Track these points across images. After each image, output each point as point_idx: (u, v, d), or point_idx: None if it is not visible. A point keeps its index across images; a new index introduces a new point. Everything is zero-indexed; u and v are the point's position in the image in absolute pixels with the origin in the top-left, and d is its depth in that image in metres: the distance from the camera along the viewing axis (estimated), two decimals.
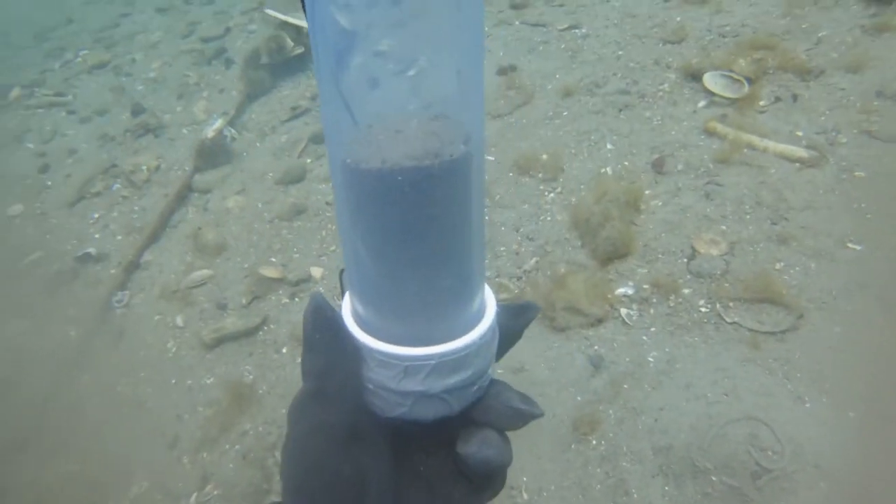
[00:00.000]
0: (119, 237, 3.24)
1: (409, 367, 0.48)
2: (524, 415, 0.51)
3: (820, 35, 2.81)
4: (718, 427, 1.62)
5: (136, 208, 3.39)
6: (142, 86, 4.75)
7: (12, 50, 6.28)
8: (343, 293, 0.55)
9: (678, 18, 3.25)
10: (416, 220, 0.46)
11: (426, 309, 0.49)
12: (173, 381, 2.41)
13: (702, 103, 2.71)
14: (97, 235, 3.33)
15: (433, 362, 0.48)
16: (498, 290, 2.20)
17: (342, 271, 0.59)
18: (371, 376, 0.50)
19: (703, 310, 1.95)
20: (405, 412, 0.50)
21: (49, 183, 3.97)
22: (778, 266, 1.98)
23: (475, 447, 0.51)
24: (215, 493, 2.00)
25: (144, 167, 3.64)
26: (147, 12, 6.22)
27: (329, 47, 0.44)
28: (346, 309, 0.52)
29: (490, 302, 0.52)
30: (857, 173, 2.17)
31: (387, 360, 0.48)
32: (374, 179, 0.45)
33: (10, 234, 3.63)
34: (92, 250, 3.17)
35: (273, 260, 2.67)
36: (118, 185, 3.65)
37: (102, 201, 3.58)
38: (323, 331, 0.50)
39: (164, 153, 3.74)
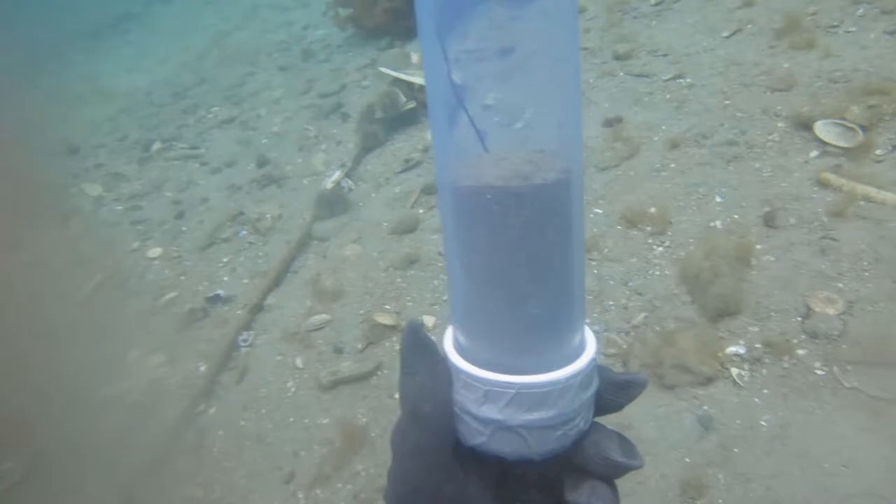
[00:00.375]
0: (245, 280, 3.53)
1: (490, 392, 0.48)
2: (619, 466, 0.49)
3: None
4: (836, 501, 1.57)
5: (260, 254, 3.69)
6: (266, 139, 5.16)
7: (154, 108, 7.01)
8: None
9: (785, 65, 3.20)
10: (504, 240, 0.47)
11: (512, 336, 0.49)
12: (291, 419, 2.59)
13: (814, 153, 2.65)
14: (225, 278, 3.65)
15: (513, 391, 0.48)
16: (606, 344, 2.23)
17: None
18: (457, 398, 0.51)
19: (819, 373, 1.90)
20: (484, 442, 0.50)
21: (184, 228, 4.38)
22: None
23: (584, 497, 0.49)
24: None
25: (268, 215, 3.96)
26: (269, 71, 6.76)
27: (440, 93, 0.48)
28: (447, 333, 0.55)
29: (589, 347, 0.51)
30: None
31: (470, 382, 0.49)
32: (468, 197, 0.48)
33: (150, 274, 4.04)
34: (221, 292, 3.48)
35: (387, 307, 2.83)
36: (245, 232, 3.99)
37: (230, 246, 3.92)
38: (419, 355, 0.52)
39: (286, 202, 4.06)
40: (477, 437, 0.50)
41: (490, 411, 0.49)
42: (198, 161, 5.32)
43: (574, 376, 0.49)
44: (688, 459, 1.82)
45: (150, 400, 2.95)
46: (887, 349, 1.84)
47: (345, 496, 2.18)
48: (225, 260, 3.80)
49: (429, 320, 2.69)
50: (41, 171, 5.94)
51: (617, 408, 0.53)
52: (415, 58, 5.01)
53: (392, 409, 2.41)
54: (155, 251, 4.22)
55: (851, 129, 2.65)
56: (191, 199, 4.72)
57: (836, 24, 3.38)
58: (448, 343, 0.54)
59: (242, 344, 3.06)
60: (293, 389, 2.70)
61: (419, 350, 0.52)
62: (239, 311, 3.28)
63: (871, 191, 2.36)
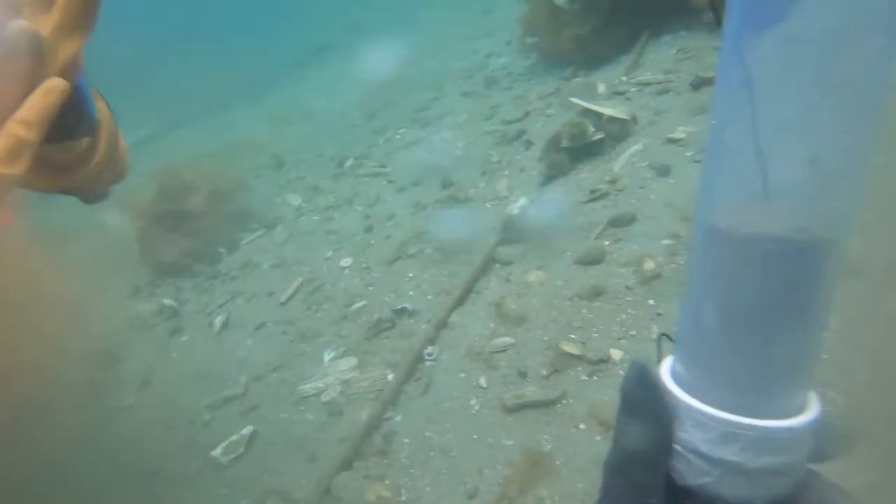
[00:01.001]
0: (430, 297, 3.71)
1: (727, 433, 0.49)
2: None
3: None
4: None
5: (445, 272, 3.85)
6: (449, 162, 5.39)
7: (347, 128, 7.60)
8: (660, 357, 0.59)
9: None
10: (772, 290, 0.47)
11: (758, 382, 0.49)
12: (475, 437, 2.67)
13: None
14: (411, 292, 3.85)
15: (755, 434, 0.48)
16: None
17: (661, 335, 0.66)
18: (684, 437, 0.51)
19: None
20: (709, 483, 0.50)
21: (372, 241, 4.70)
22: None
23: None
24: None
25: None
26: (453, 96, 7.08)
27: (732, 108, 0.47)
28: (666, 373, 0.55)
29: (815, 401, 0.52)
30: None
31: (706, 422, 0.50)
32: (742, 244, 0.48)
33: (341, 282, 4.37)
34: (408, 305, 3.67)
35: (573, 336, 2.83)
36: (430, 250, 4.19)
37: (416, 263, 4.13)
38: (646, 395, 0.53)
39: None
40: (701, 478, 0.51)
41: (724, 452, 0.49)
42: (385, 179, 5.69)
43: (811, 423, 0.49)
44: None
45: (344, 402, 3.18)
46: None
47: None
48: (410, 275, 4.01)
49: (616, 354, 2.66)
50: (256, 182, 6.70)
51: (826, 460, 0.53)
52: (601, 88, 5.01)
53: (578, 440, 2.40)
54: (346, 261, 4.56)
55: None
56: (378, 215, 5.05)
57: None
58: (668, 379, 0.54)
59: (428, 357, 3.20)
60: (477, 408, 2.78)
61: (647, 390, 0.53)
62: (424, 326, 3.45)
63: None
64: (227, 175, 6.36)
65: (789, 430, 0.49)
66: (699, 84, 4.36)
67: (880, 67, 0.43)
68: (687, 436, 0.51)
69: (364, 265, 4.45)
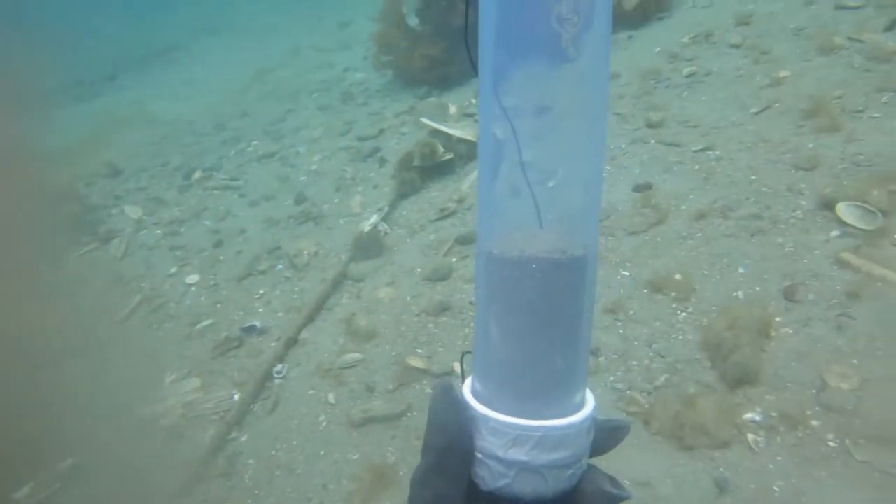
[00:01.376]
0: (280, 314, 3.70)
1: (519, 437, 0.54)
2: (613, 497, 0.57)
3: None
4: None
5: (296, 289, 3.86)
6: (304, 176, 5.39)
7: (196, 137, 7.31)
8: (464, 376, 0.63)
9: (810, 145, 3.36)
10: (542, 304, 0.53)
11: (539, 386, 0.55)
12: (322, 453, 2.71)
13: (835, 233, 2.79)
14: (261, 310, 3.81)
15: (539, 434, 0.54)
16: (628, 403, 2.35)
17: (464, 354, 0.71)
18: (482, 444, 0.56)
19: (831, 444, 2.01)
20: (507, 483, 0.56)
21: (221, 257, 4.58)
22: None
23: None
24: None
25: (305, 252, 4.14)
26: (310, 109, 7.06)
27: (489, 150, 0.54)
28: (467, 388, 0.60)
29: (590, 398, 0.59)
30: None
31: (499, 428, 0.55)
32: (513, 266, 0.53)
33: (186, 300, 4.22)
34: (257, 323, 3.64)
35: (419, 351, 2.97)
36: (281, 266, 4.16)
37: (267, 279, 4.10)
38: (449, 412, 0.57)
39: (322, 240, 4.24)
40: (500, 480, 0.56)
41: (517, 454, 0.54)
42: (237, 192, 5.55)
43: (585, 420, 0.56)
44: None
45: (184, 422, 3.09)
46: None
47: None
48: (261, 292, 3.97)
49: (459, 368, 2.82)
50: (85, 191, 6.22)
51: (606, 451, 0.61)
52: (453, 109, 5.25)
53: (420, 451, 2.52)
54: (193, 277, 4.41)
55: (872, 212, 2.79)
56: (229, 230, 4.93)
57: (860, 109, 3.55)
58: (469, 395, 0.59)
59: (277, 376, 3.20)
60: (324, 424, 2.83)
61: (449, 408, 0.57)
62: (273, 344, 3.43)
63: (889, 274, 2.49)
64: (50, 181, 5.86)
65: (570, 427, 0.55)
66: None
67: (605, 93, 0.52)
68: (485, 444, 0.56)
69: (212, 282, 4.32)
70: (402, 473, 2.46)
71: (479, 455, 0.57)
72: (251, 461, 2.82)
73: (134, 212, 5.77)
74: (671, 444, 2.17)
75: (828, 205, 2.92)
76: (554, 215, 0.52)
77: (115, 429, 3.22)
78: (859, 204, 2.85)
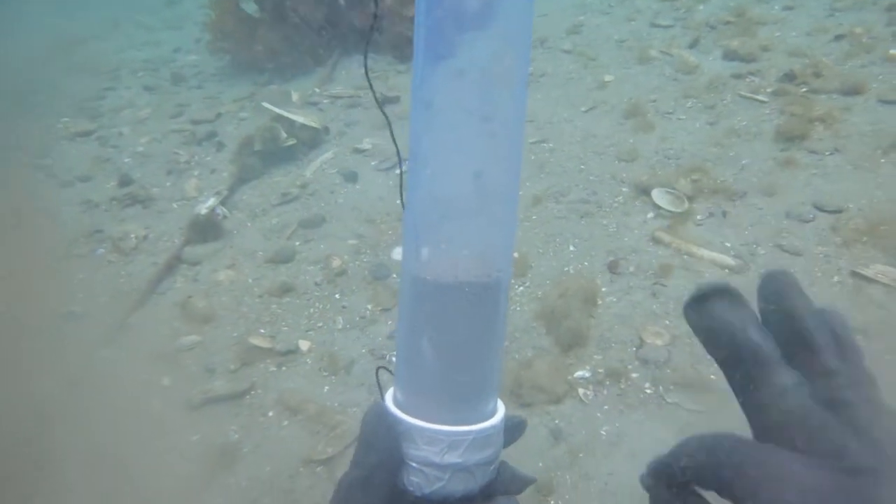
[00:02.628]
0: (104, 299, 3.39)
1: (453, 442, 0.58)
2: (527, 482, 0.65)
3: (743, 163, 3.33)
4: None
5: (122, 273, 3.56)
6: (129, 158, 4.97)
7: None
8: (381, 389, 0.66)
9: (631, 140, 3.74)
10: (474, 323, 0.58)
11: (468, 396, 0.59)
12: (156, 439, 2.53)
13: (650, 215, 3.13)
14: (81, 296, 3.47)
15: (471, 437, 0.58)
16: None
17: (378, 369, 0.75)
18: (417, 454, 0.60)
19: (648, 391, 2.26)
20: (442, 486, 0.59)
21: None
22: (709, 357, 2.32)
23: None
24: None
25: (132, 235, 3.83)
26: (134, 89, 6.52)
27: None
28: (390, 401, 0.62)
29: (499, 401, 0.64)
30: None
31: (436, 437, 0.59)
32: (434, 289, 0.56)
33: None
34: (77, 309, 3.31)
35: (262, 331, 2.87)
36: (103, 250, 3.82)
37: (86, 264, 3.73)
38: (380, 430, 0.60)
39: (152, 224, 3.95)
40: (435, 484, 0.60)
41: (452, 457, 0.58)
42: (44, 172, 4.99)
43: (503, 420, 0.62)
44: (541, 464, 2.07)
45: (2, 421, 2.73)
46: (699, 374, 2.23)
47: None
48: (80, 277, 3.61)
49: (304, 344, 2.78)
50: None
51: (508, 445, 0.68)
52: (295, 96, 5.15)
53: (265, 427, 2.46)
54: None
55: (680, 197, 3.17)
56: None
57: (670, 111, 4.02)
58: (394, 408, 0.61)
59: (101, 363, 2.93)
60: (159, 408, 2.64)
61: (381, 425, 0.60)
62: (96, 330, 3.14)
63: (693, 248, 2.85)
64: None
65: (493, 428, 0.59)
66: (383, 102, 4.77)
67: (522, 100, 0.52)
68: (421, 453, 0.59)
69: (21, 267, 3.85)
70: (245, 450, 2.37)
71: (414, 465, 0.60)
72: (72, 459, 2.56)
73: None
74: (511, 402, 2.31)
75: (644, 191, 3.27)
76: (441, 212, 0.54)
77: None
78: (669, 190, 3.22)
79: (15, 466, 2.55)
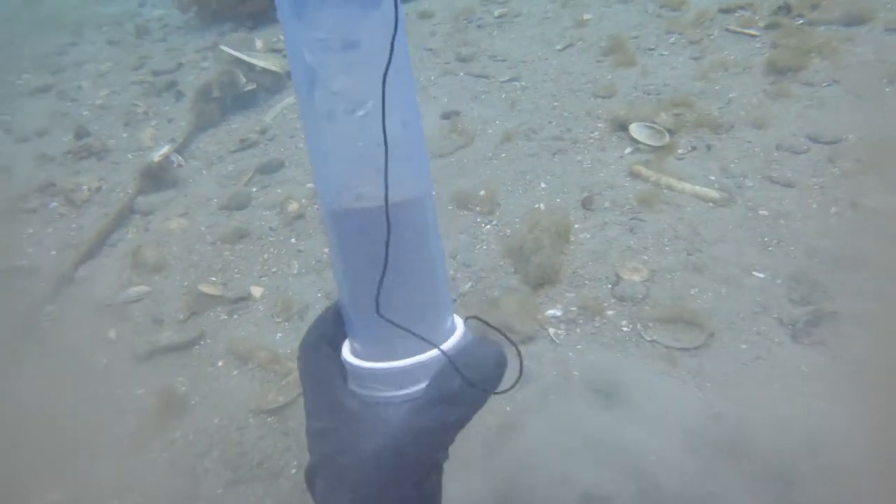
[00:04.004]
0: (53, 252, 3.19)
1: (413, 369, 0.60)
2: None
3: (730, 96, 3.13)
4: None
5: (73, 226, 3.35)
6: (87, 111, 4.72)
7: None
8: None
9: (609, 77, 3.53)
10: (402, 245, 0.57)
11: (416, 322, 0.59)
12: (101, 392, 2.36)
13: (628, 150, 2.94)
14: (30, 250, 3.26)
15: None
16: None
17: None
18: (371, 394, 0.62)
19: (624, 329, 2.10)
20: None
21: None
22: (692, 291, 2.16)
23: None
24: (139, 500, 1.96)
25: (85, 188, 3.61)
26: (97, 44, 6.22)
27: (302, 80, 0.55)
28: (348, 355, 0.64)
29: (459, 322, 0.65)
30: (761, 212, 2.41)
31: (365, 373, 0.61)
32: (357, 217, 0.56)
33: None
34: (25, 262, 3.11)
35: (213, 279, 2.69)
36: (55, 204, 3.60)
37: (37, 218, 3.52)
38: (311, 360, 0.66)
39: (106, 175, 3.73)
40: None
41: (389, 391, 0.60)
42: (1, 128, 4.74)
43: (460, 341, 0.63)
44: (508, 408, 1.91)
45: None
46: (681, 309, 2.07)
47: (160, 465, 2.03)
48: (30, 231, 3.40)
49: (256, 291, 2.60)
50: None
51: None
52: (259, 44, 4.88)
53: (215, 377, 2.29)
54: None
55: (660, 131, 2.97)
56: None
57: (652, 47, 3.80)
58: (354, 359, 0.62)
59: (46, 318, 2.75)
60: (104, 362, 2.47)
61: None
62: (43, 284, 2.95)
63: (673, 181, 2.66)
64: None
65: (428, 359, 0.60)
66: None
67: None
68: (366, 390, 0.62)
69: None
70: (193, 402, 2.21)
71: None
72: (12, 416, 2.38)
73: None
74: None
75: (622, 126, 3.08)
76: (367, 143, 0.54)
77: None
78: (649, 124, 3.03)
79: None
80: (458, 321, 0.65)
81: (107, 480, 2.05)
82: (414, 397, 0.60)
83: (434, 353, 0.60)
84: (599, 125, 3.16)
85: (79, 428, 2.26)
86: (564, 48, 4.01)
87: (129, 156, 3.93)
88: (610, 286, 2.27)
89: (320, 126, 0.55)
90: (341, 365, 0.64)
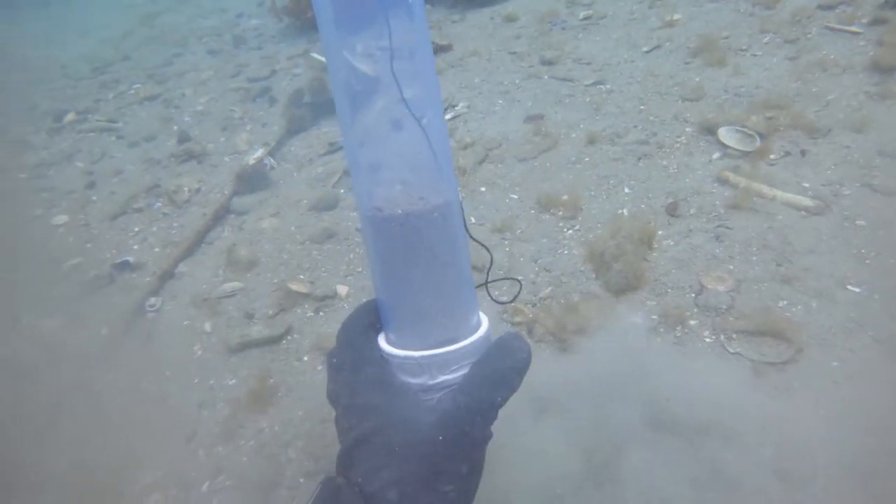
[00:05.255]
0: (157, 249, 3.42)
1: (420, 365, 0.68)
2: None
3: (828, 98, 2.97)
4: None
5: (175, 225, 3.58)
6: (189, 117, 5.04)
7: (70, 81, 6.69)
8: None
9: (697, 79, 3.43)
10: (427, 248, 0.63)
11: (451, 318, 0.67)
12: (196, 381, 2.52)
13: (716, 155, 2.85)
14: (136, 247, 3.52)
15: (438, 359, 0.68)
16: (513, 314, 2.30)
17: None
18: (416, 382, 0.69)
19: (707, 340, 2.04)
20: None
21: (94, 198, 4.20)
22: (781, 304, 2.07)
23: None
24: (227, 483, 2.09)
25: (186, 188, 3.86)
26: (199, 54, 6.61)
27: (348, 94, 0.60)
28: (385, 345, 0.71)
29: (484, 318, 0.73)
30: (858, 222, 2.28)
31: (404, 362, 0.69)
32: (398, 223, 0.60)
33: (52, 240, 3.84)
34: (130, 259, 3.35)
35: (301, 277, 2.81)
36: (160, 204, 3.86)
37: (143, 217, 3.79)
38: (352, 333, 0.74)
39: (205, 177, 3.96)
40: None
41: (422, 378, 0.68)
42: (114, 134, 5.12)
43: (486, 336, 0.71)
44: None
45: (43, 362, 2.80)
46: (768, 321, 1.99)
47: (248, 452, 2.14)
48: (136, 229, 3.67)
49: (342, 289, 2.69)
50: None
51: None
52: None
53: (301, 371, 2.39)
54: (60, 218, 4.02)
55: (750, 135, 2.87)
56: (103, 171, 4.53)
57: (744, 48, 3.67)
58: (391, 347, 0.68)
59: (149, 309, 2.95)
60: (199, 352, 2.63)
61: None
62: (148, 279, 3.17)
63: (764, 188, 2.56)
64: None
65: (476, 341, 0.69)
66: (437, 50, 4.59)
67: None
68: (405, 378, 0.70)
69: (82, 222, 3.96)
70: (280, 394, 2.32)
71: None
72: (119, 397, 2.59)
73: None
74: (554, 348, 2.14)
75: (710, 130, 2.99)
76: (430, 153, 0.59)
77: None
78: (739, 128, 2.92)
79: (71, 402, 2.61)
80: (483, 317, 0.70)
81: (199, 464, 2.19)
82: (453, 383, 0.64)
83: (475, 340, 0.65)
84: (687, 129, 3.07)
85: (175, 413, 2.42)
86: (651, 50, 3.93)
87: (226, 158, 4.16)
88: (693, 295, 2.21)
89: (376, 136, 0.57)
90: (381, 350, 0.69)
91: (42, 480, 2.28)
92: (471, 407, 0.63)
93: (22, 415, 2.60)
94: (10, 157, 5.15)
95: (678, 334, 2.09)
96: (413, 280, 0.60)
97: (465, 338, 0.64)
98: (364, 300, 0.69)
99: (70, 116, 5.62)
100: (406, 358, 0.63)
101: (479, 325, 0.67)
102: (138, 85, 6.08)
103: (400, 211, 0.59)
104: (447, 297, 0.62)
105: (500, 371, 0.66)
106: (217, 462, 2.14)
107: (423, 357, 0.62)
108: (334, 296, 2.66)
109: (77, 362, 2.75)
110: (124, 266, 3.33)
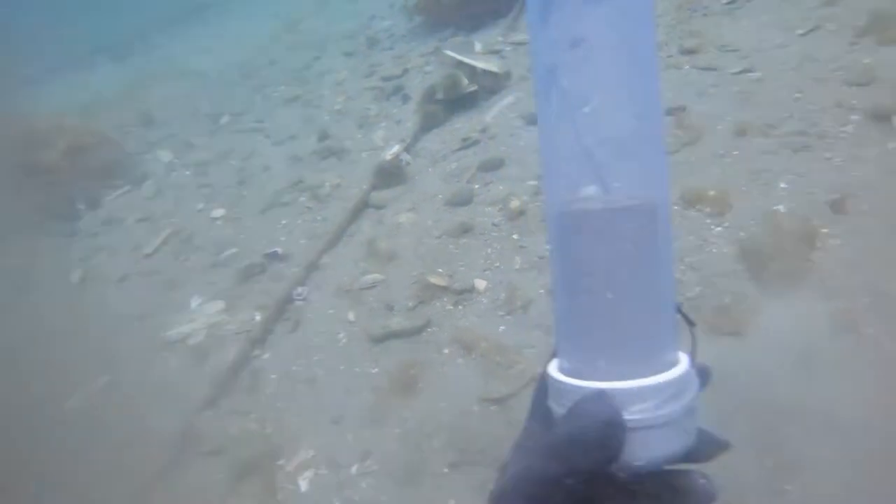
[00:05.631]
0: (302, 241, 3.63)
1: (624, 398, 0.53)
2: (722, 446, 0.58)
3: None
4: None
5: (318, 218, 3.78)
6: (328, 116, 5.30)
7: (224, 86, 7.26)
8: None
9: (867, 60, 3.13)
10: (628, 254, 0.54)
11: (638, 344, 0.54)
12: (342, 367, 2.65)
13: (892, 144, 2.59)
14: (283, 238, 3.75)
15: (636, 390, 0.53)
16: None
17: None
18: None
19: (887, 349, 1.86)
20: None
21: (245, 193, 4.53)
22: None
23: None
24: (375, 467, 2.17)
25: (327, 184, 4.06)
26: (335, 56, 6.94)
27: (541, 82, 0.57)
28: (555, 369, 0.59)
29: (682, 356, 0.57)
30: None
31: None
32: (576, 220, 0.54)
33: (212, 232, 4.19)
34: (279, 250, 3.58)
35: (440, 270, 2.87)
36: (304, 198, 4.09)
37: (290, 211, 4.03)
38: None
39: (344, 173, 4.15)
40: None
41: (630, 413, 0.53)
42: (262, 134, 5.50)
43: (686, 373, 0.55)
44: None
45: (210, 343, 3.06)
46: None
47: (393, 438, 2.22)
48: (283, 222, 3.91)
49: (480, 284, 2.72)
50: (122, 138, 6.25)
51: (700, 460, 0.60)
52: (478, 47, 5.07)
53: (440, 363, 2.45)
54: (218, 212, 4.38)
55: None
56: (253, 168, 4.88)
57: None
58: (560, 375, 0.57)
59: (297, 298, 3.14)
60: (344, 340, 2.76)
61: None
62: (295, 269, 3.37)
63: None
64: (88, 130, 5.90)
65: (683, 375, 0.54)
66: None
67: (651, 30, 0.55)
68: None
69: (236, 215, 4.29)
70: (420, 385, 2.38)
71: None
72: (273, 376, 2.79)
73: (165, 155, 5.79)
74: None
75: (885, 116, 2.72)
76: (595, 139, 0.53)
77: (146, 348, 3.22)
78: None
79: (232, 381, 2.83)
80: (683, 357, 0.56)
81: (347, 446, 2.30)
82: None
83: (672, 377, 0.53)
84: (854, 117, 2.81)
85: (325, 397, 2.56)
86: (808, 32, 3.62)
87: (364, 155, 4.33)
88: (868, 300, 2.02)
89: (551, 125, 0.55)
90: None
91: (215, 449, 2.50)
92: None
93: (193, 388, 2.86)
94: (178, 156, 5.69)
95: (851, 343, 1.93)
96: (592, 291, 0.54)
97: (660, 372, 0.53)
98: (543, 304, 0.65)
99: (225, 119, 6.10)
100: (586, 389, 0.54)
101: (673, 364, 0.55)
102: (282, 87, 6.48)
103: (578, 207, 0.54)
104: (628, 323, 0.54)
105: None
106: (364, 446, 2.24)
107: (612, 390, 0.53)
108: (472, 290, 2.70)
109: (238, 344, 2.99)
110: (274, 256, 3.56)
